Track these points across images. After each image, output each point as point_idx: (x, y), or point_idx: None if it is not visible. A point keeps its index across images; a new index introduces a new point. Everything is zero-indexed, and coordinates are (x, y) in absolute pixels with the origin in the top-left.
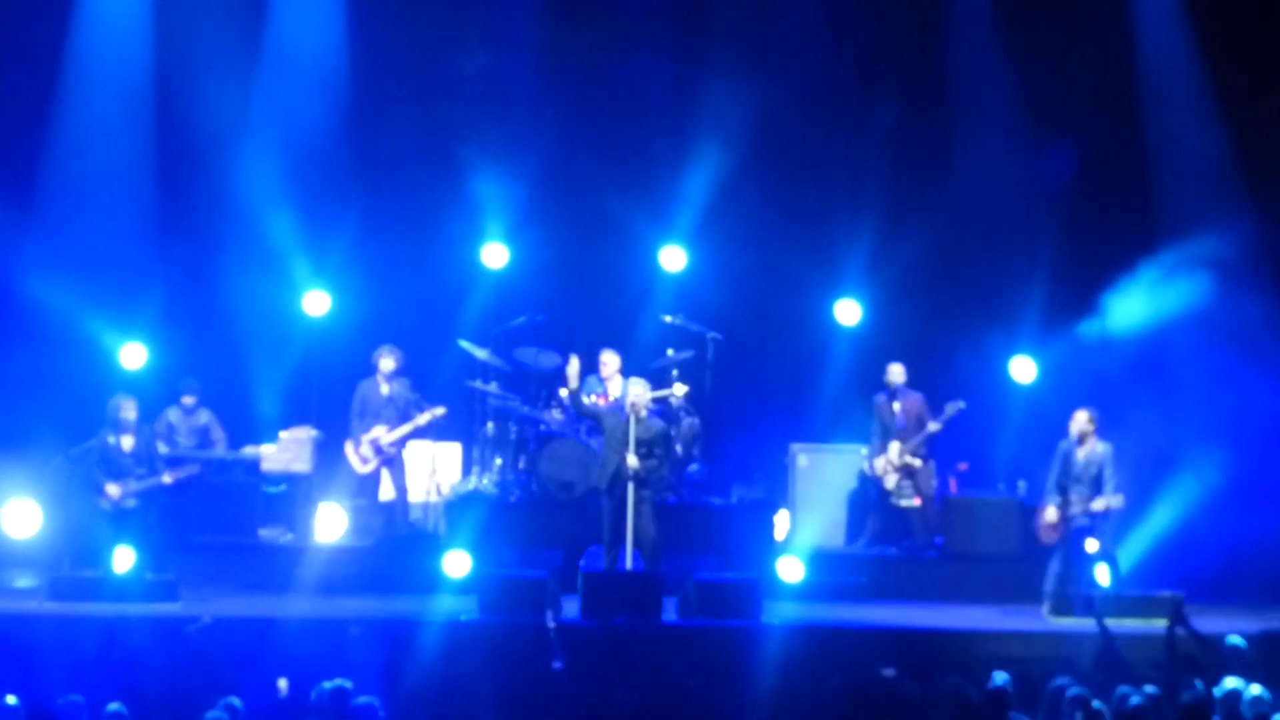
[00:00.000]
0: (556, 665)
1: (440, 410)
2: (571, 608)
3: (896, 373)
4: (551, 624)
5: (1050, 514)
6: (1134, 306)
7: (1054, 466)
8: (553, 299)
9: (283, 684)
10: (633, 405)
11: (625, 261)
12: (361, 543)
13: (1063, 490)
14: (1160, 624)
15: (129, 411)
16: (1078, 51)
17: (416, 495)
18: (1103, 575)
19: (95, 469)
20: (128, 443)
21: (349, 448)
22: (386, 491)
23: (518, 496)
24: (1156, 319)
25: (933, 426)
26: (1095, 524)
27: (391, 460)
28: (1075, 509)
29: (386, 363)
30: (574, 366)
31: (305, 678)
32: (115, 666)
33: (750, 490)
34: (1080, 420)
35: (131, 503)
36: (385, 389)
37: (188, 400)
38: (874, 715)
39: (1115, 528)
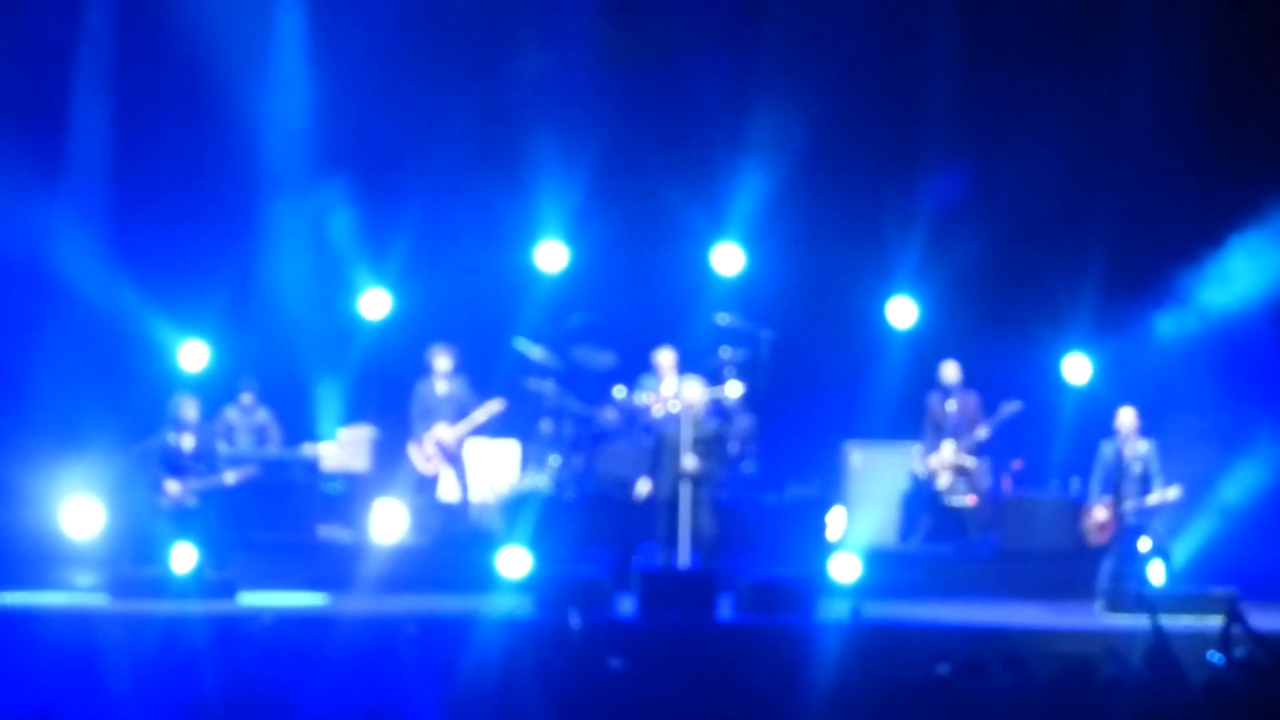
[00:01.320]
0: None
1: (497, 403)
2: (627, 605)
3: (951, 371)
4: (575, 624)
5: (1099, 513)
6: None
7: (1097, 466)
8: (608, 298)
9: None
10: (689, 405)
11: (680, 260)
12: (419, 541)
13: (1115, 489)
14: (1213, 620)
15: (190, 410)
16: (1128, 51)
17: (475, 494)
18: (1156, 573)
19: (156, 467)
20: (188, 441)
21: (412, 448)
22: (447, 490)
23: (574, 495)
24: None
25: (981, 433)
26: (1148, 521)
27: (454, 458)
28: (1126, 506)
29: (441, 361)
30: (667, 359)
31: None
32: (175, 665)
33: (804, 488)
34: (1126, 417)
35: (192, 501)
36: (442, 387)
37: (246, 399)
38: (929, 712)
39: (1169, 524)
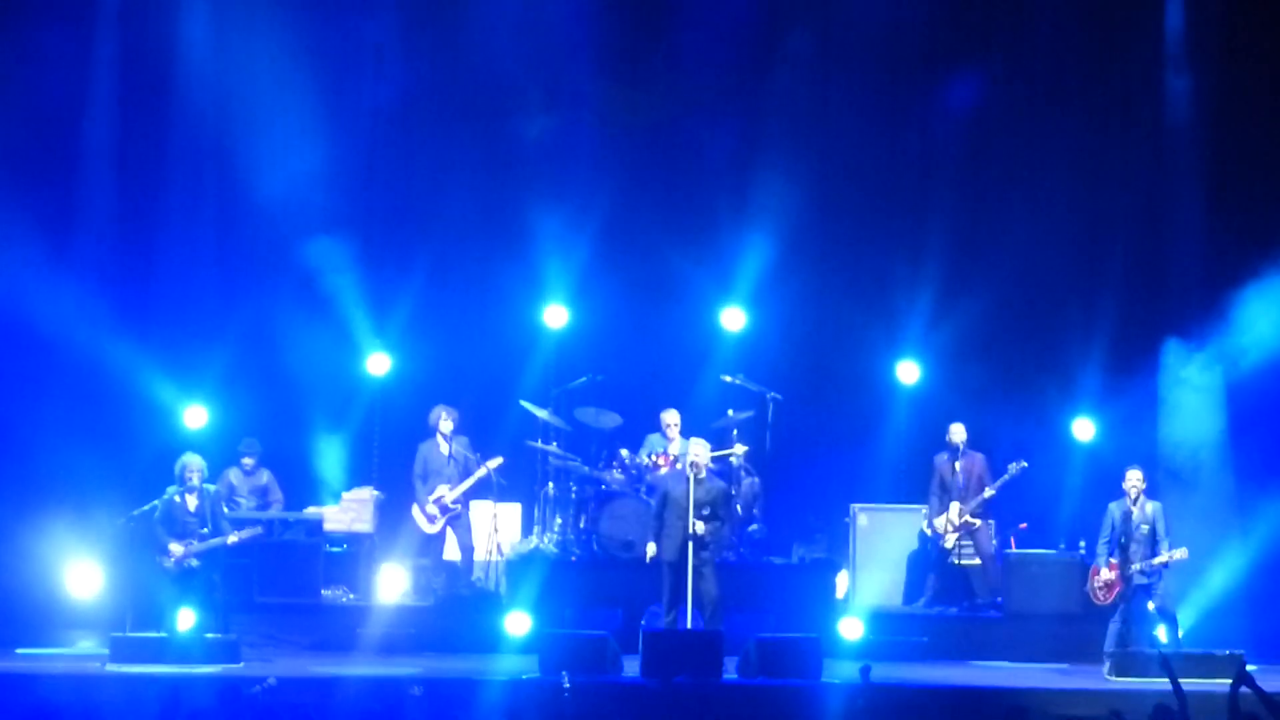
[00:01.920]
0: None
1: (497, 461)
2: (633, 667)
3: (958, 432)
4: (566, 685)
5: (1106, 574)
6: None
7: (1105, 526)
8: (613, 359)
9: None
10: (693, 465)
11: (685, 321)
12: (423, 602)
13: (1122, 549)
14: (1221, 683)
15: (194, 472)
16: (1134, 112)
17: (479, 554)
18: (1163, 634)
19: (159, 527)
20: (193, 502)
21: (415, 510)
22: (450, 551)
23: (579, 556)
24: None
25: (988, 492)
26: (1154, 582)
27: (457, 518)
28: (1133, 567)
29: (446, 424)
30: (672, 419)
31: None
32: None
33: (810, 549)
34: (1134, 479)
35: (194, 562)
36: (446, 448)
37: (248, 461)
38: None
39: (1176, 586)
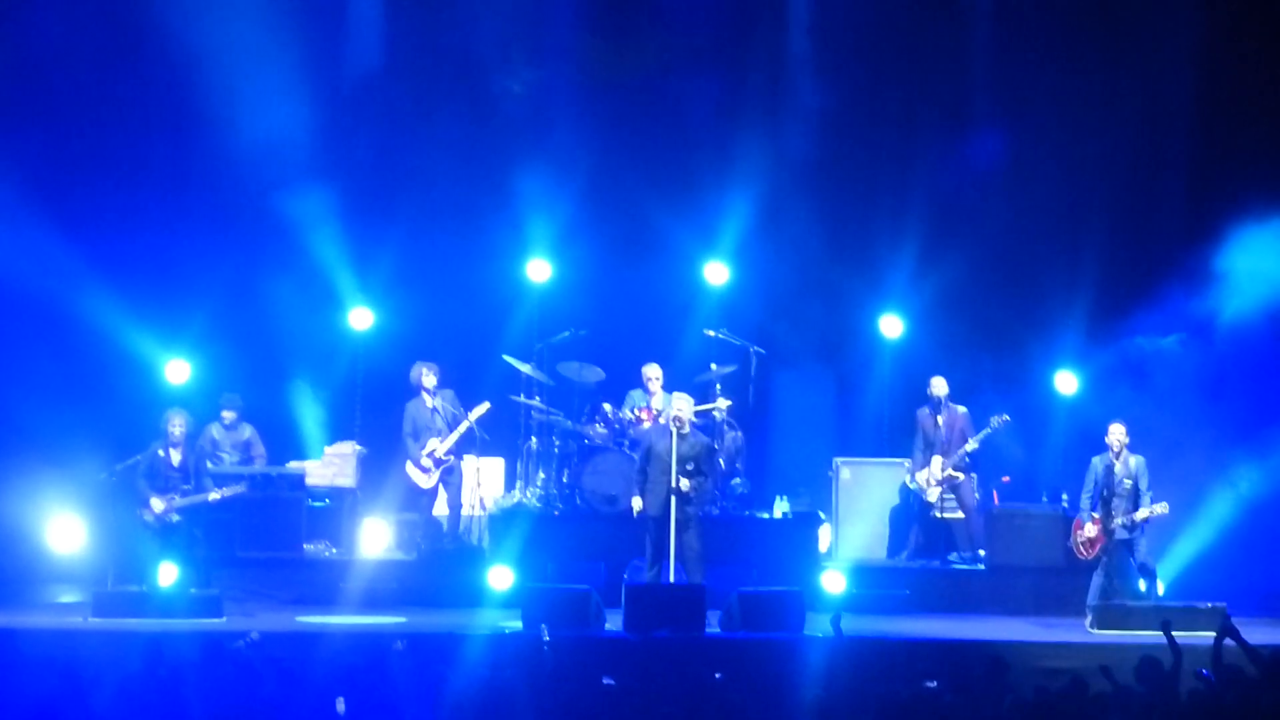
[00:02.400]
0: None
1: (484, 407)
2: (615, 621)
3: (939, 386)
4: (546, 639)
5: (1089, 529)
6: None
7: (1087, 481)
8: (596, 314)
9: (340, 705)
10: (675, 419)
11: (669, 276)
12: (406, 557)
13: (1105, 503)
14: (1203, 635)
15: (178, 426)
16: (1119, 64)
17: (464, 509)
18: (1146, 588)
19: (141, 481)
20: (176, 457)
21: (409, 467)
22: (438, 506)
23: (561, 510)
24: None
25: (970, 445)
26: (1135, 536)
27: (450, 471)
28: (1116, 521)
29: (428, 379)
30: (655, 374)
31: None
32: (160, 683)
33: (793, 503)
34: (1117, 432)
35: (175, 518)
36: (431, 403)
37: (228, 415)
38: None
39: (1156, 539)
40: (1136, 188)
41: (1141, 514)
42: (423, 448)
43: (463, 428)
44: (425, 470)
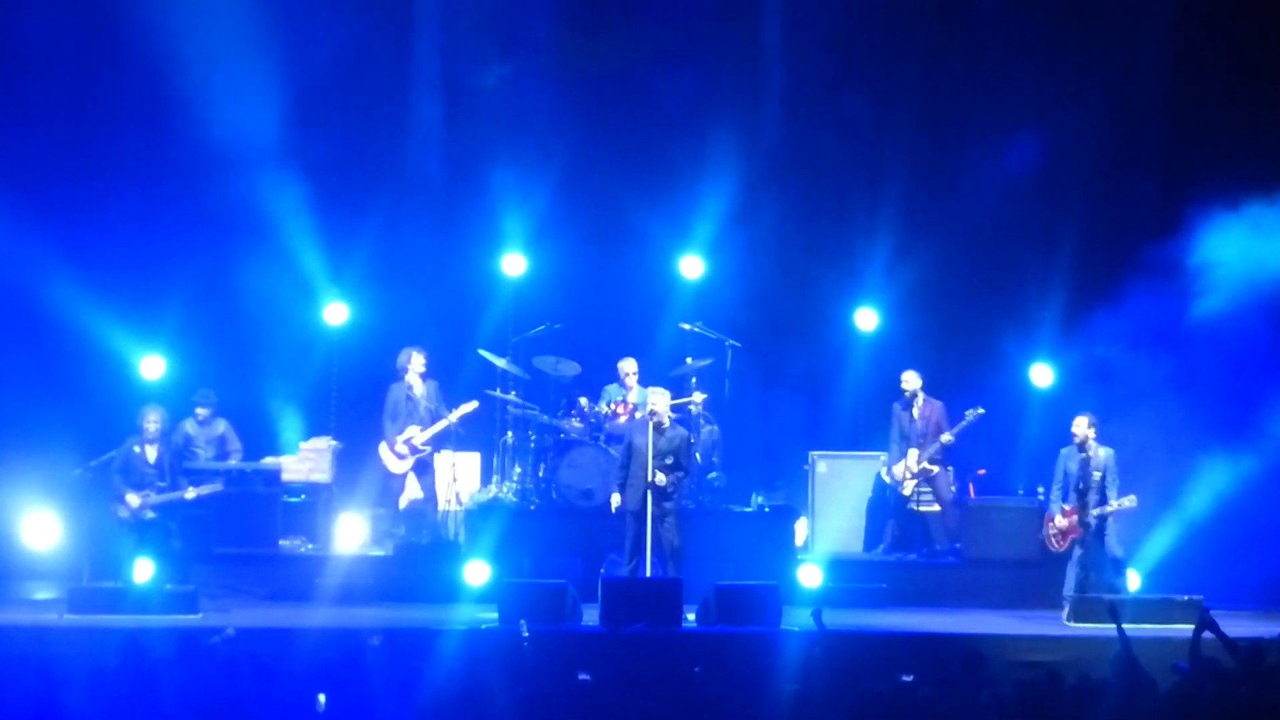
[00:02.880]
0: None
1: (471, 405)
2: (592, 615)
3: (909, 380)
4: (525, 634)
5: (1059, 521)
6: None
7: (1057, 474)
8: (572, 307)
9: (321, 701)
10: (652, 414)
11: (644, 269)
12: (382, 552)
13: (1079, 494)
14: (1180, 628)
15: (154, 422)
16: (1091, 57)
17: (442, 504)
18: (1123, 580)
19: (117, 477)
20: (152, 453)
21: (383, 448)
22: (406, 496)
23: (537, 505)
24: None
25: (945, 438)
26: (1105, 528)
27: (424, 463)
28: (1091, 513)
29: (416, 362)
30: (631, 368)
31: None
32: (135, 679)
33: (770, 497)
34: (1081, 425)
35: (150, 514)
36: (416, 389)
37: (202, 412)
38: None
39: (1130, 532)
40: (1110, 181)
41: (1110, 508)
42: (400, 432)
43: (446, 421)
44: (400, 456)
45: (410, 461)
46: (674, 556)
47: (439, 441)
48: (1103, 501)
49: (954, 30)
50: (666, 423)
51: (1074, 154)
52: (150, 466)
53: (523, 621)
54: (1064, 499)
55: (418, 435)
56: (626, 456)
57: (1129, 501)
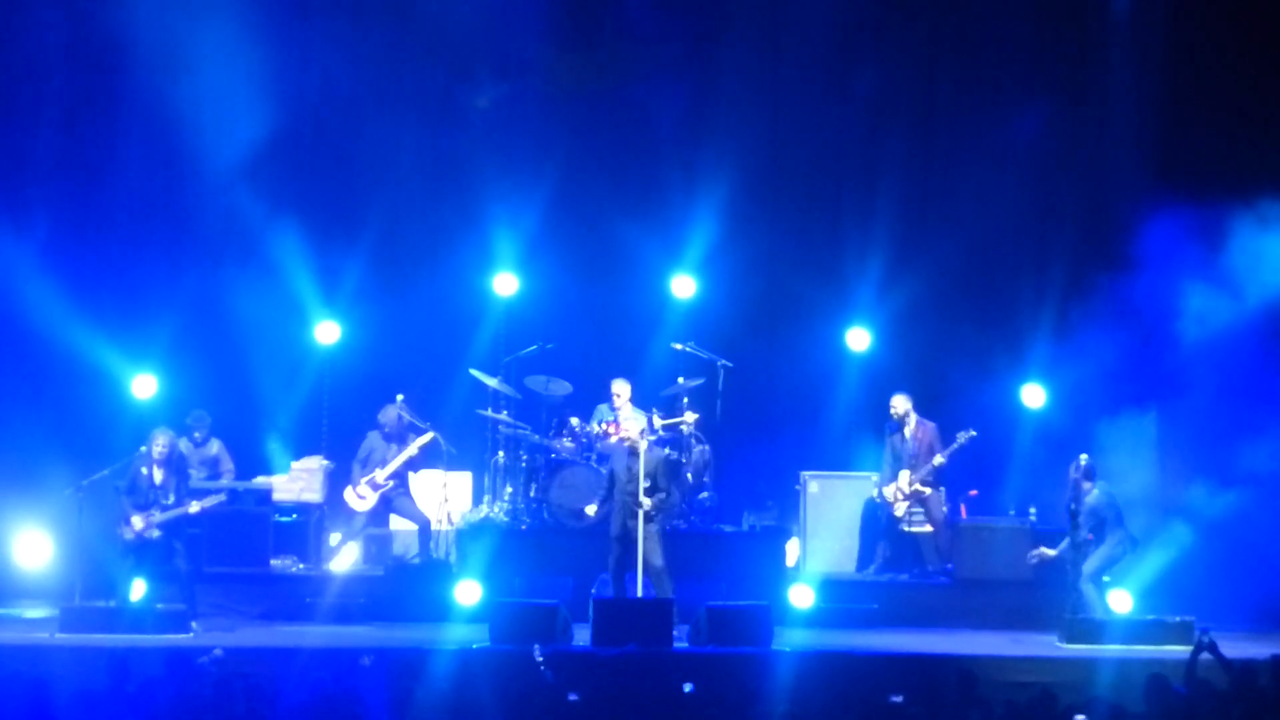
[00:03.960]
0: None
1: (428, 436)
2: (583, 635)
3: (899, 404)
4: (539, 657)
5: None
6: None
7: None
8: (563, 327)
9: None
10: (623, 439)
11: (635, 289)
12: (373, 572)
13: (1072, 515)
14: (1173, 649)
15: (162, 446)
16: (1086, 75)
17: (430, 524)
18: (1118, 602)
19: (124, 499)
20: (159, 475)
21: (348, 491)
22: (397, 522)
23: (529, 524)
24: None
25: (937, 460)
26: (1083, 552)
27: (393, 493)
28: (1082, 534)
29: (397, 420)
30: (622, 389)
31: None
32: (127, 698)
33: (761, 517)
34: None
35: (155, 533)
36: (387, 445)
37: (198, 434)
38: None
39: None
40: (1101, 200)
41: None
42: (366, 474)
43: (405, 454)
44: (361, 497)
45: (373, 499)
46: (658, 577)
47: (422, 464)
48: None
49: (946, 47)
50: (643, 447)
51: (1065, 173)
52: (156, 488)
53: (536, 646)
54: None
55: (379, 474)
56: (610, 482)
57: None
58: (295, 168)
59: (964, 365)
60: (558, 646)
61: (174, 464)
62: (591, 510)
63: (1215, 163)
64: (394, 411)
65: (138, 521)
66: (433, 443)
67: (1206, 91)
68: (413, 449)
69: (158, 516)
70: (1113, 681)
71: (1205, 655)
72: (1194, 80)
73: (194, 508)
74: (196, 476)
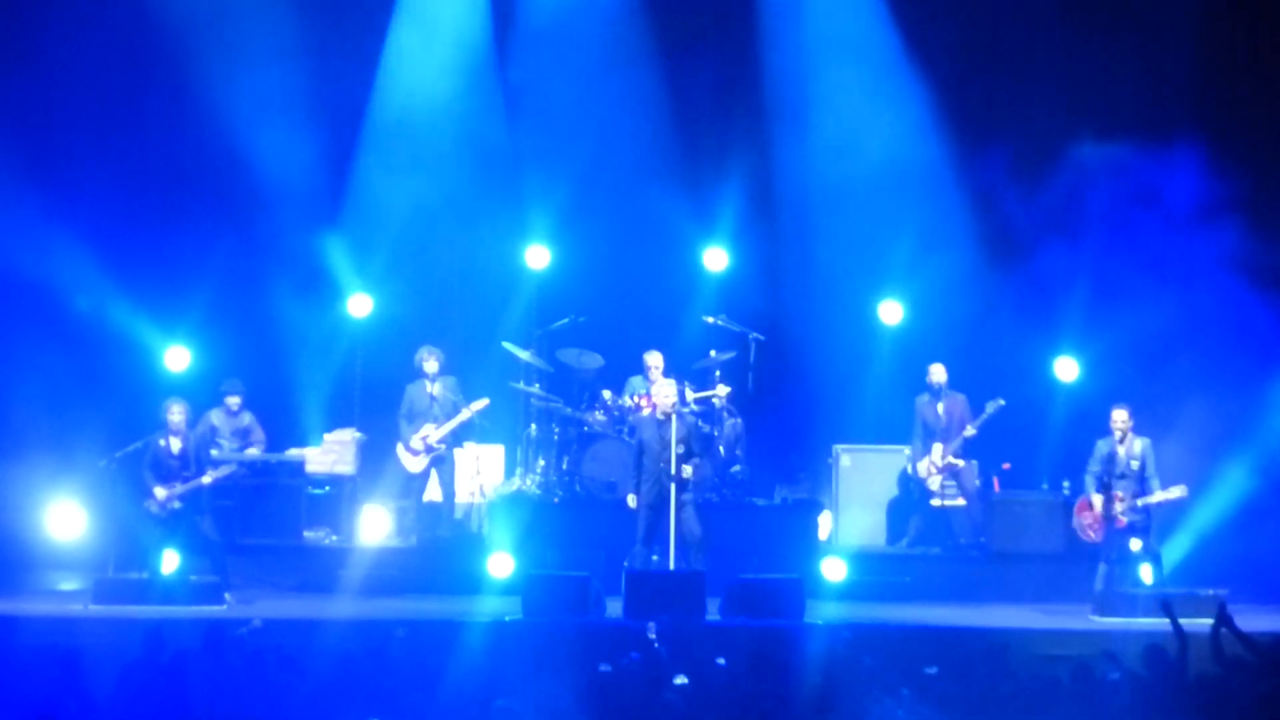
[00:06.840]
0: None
1: (483, 402)
2: (615, 608)
3: (938, 373)
4: (652, 635)
5: (1094, 509)
6: None
7: (1091, 463)
8: (595, 300)
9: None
10: (655, 407)
11: (668, 262)
12: (405, 544)
13: (1106, 488)
14: (1204, 623)
15: (177, 414)
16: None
17: (462, 496)
18: (1147, 574)
19: (147, 472)
20: (176, 445)
21: (400, 449)
22: (432, 493)
23: (561, 497)
24: None
25: (969, 431)
26: (1144, 520)
27: (441, 459)
28: (1121, 506)
29: (430, 364)
30: (655, 361)
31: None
32: (161, 670)
33: (793, 490)
34: (1119, 419)
35: (177, 504)
36: (431, 389)
37: (232, 402)
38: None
39: (1160, 525)
40: (1135, 174)
41: (1155, 498)
42: (415, 431)
43: (460, 418)
44: (414, 453)
45: (425, 460)
46: (697, 546)
47: (458, 436)
48: (1140, 493)
49: (981, 16)
50: (674, 414)
51: (1100, 143)
52: (175, 458)
53: (650, 624)
54: (1097, 487)
55: (433, 433)
56: (639, 453)
57: (1177, 491)
58: (327, 139)
59: (997, 338)
60: (590, 618)
61: (193, 435)
62: (632, 501)
63: (1253, 138)
64: (420, 353)
65: (160, 493)
66: (472, 417)
67: (1247, 52)
68: (466, 413)
69: (178, 488)
70: (1143, 654)
71: (1224, 630)
72: (1233, 38)
73: (206, 479)
74: (228, 447)
